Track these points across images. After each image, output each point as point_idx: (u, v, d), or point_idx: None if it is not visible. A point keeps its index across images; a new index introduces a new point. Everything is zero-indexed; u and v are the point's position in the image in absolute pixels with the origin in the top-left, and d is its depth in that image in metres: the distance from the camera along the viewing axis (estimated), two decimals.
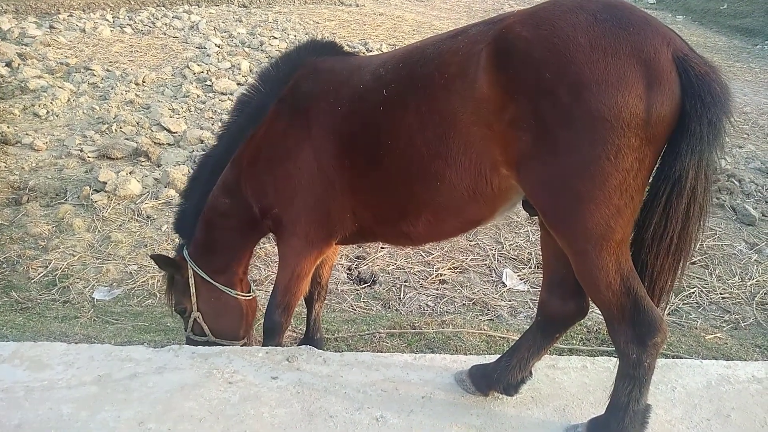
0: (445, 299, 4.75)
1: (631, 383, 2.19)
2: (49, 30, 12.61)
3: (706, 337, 4.13)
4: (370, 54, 11.84)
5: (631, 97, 1.86)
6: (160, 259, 3.24)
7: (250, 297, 3.44)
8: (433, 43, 2.40)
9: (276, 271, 3.12)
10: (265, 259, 5.29)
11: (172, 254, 3.49)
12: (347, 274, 5.12)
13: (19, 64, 9.75)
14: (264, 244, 5.47)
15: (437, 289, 4.91)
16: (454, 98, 2.19)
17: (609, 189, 1.94)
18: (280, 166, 2.82)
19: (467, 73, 2.15)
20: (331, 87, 2.68)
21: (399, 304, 4.65)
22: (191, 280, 3.25)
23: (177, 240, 3.42)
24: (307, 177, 2.74)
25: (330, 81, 2.72)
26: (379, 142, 2.47)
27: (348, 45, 12.29)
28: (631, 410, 2.22)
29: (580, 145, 1.93)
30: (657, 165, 2.03)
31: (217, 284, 3.27)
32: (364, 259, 5.32)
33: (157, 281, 4.84)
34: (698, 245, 5.47)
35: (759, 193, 6.80)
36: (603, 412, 2.37)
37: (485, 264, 5.34)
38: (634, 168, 1.93)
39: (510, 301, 4.76)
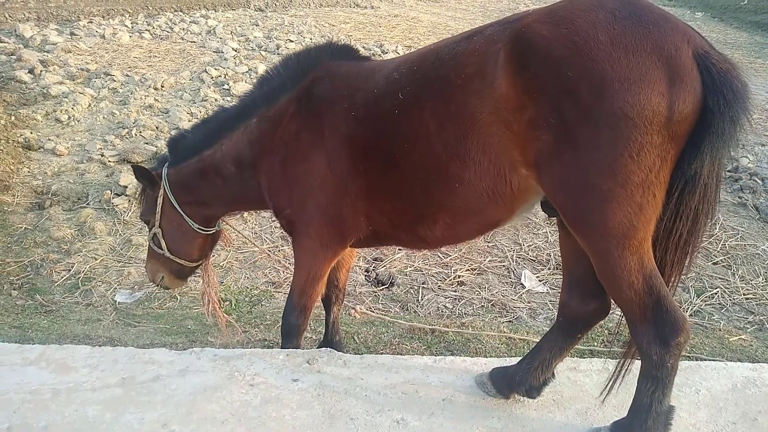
0: (463, 301, 4.73)
1: (654, 384, 2.17)
2: (69, 37, 12.80)
3: (730, 339, 4.07)
4: (386, 56, 11.85)
5: (653, 95, 1.86)
6: (138, 171, 3.30)
7: (212, 231, 3.48)
8: (447, 45, 2.40)
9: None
10: (283, 261, 5.32)
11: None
12: (365, 276, 5.13)
13: (41, 71, 9.91)
14: (282, 246, 5.51)
15: (455, 291, 4.89)
16: (472, 98, 2.19)
17: (631, 187, 1.94)
18: (293, 168, 2.83)
19: (485, 72, 2.15)
20: (345, 92, 2.68)
21: (417, 306, 4.65)
22: (159, 200, 3.31)
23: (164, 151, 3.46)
24: (319, 180, 2.75)
25: (344, 86, 2.72)
26: (394, 146, 2.47)
27: (363, 47, 12.31)
28: (654, 412, 2.19)
29: (602, 143, 1.92)
30: None
31: (182, 212, 3.31)
32: (381, 261, 5.32)
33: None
34: (721, 245, 5.47)
35: None
36: (625, 415, 2.35)
37: (503, 265, 5.31)
38: (656, 165, 1.92)
39: (529, 302, 4.74)
